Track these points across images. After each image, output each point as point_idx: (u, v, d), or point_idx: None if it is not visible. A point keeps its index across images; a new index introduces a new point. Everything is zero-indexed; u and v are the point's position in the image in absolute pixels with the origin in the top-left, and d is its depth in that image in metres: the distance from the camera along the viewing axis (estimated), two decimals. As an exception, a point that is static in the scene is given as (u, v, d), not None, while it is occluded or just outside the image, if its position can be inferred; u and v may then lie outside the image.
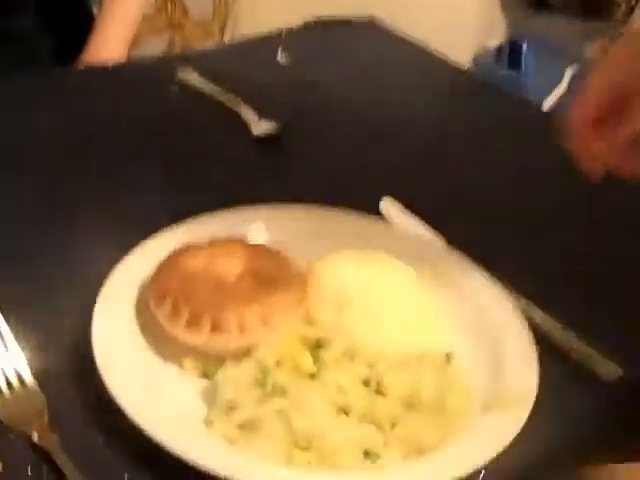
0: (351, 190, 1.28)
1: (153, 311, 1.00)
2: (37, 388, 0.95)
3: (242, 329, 0.96)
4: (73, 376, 0.97)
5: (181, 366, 0.99)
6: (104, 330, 0.98)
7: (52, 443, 0.89)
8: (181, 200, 1.24)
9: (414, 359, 0.99)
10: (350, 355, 0.98)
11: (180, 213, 1.17)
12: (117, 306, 1.02)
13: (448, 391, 0.96)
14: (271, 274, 1.02)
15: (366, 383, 0.95)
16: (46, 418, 0.92)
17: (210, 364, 0.98)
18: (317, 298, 1.04)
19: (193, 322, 0.97)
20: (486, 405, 0.96)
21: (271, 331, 0.97)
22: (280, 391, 0.93)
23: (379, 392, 0.95)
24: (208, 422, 0.92)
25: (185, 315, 0.97)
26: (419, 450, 0.91)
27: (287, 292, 1.00)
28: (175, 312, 0.98)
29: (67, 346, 1.00)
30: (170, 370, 0.98)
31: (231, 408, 0.92)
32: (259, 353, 0.96)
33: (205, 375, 0.98)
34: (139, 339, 1.00)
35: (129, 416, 0.89)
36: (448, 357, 1.03)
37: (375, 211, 1.26)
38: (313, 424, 0.89)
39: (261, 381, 0.93)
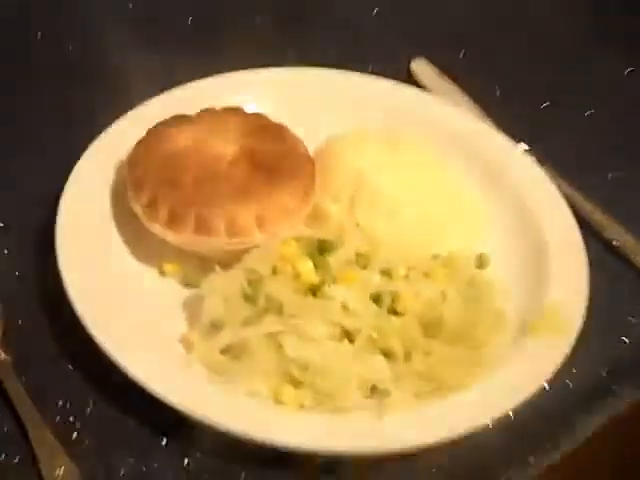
0: (377, 47, 1.08)
1: (130, 201, 0.84)
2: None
3: (231, 231, 0.80)
4: (33, 283, 0.82)
5: (161, 271, 0.83)
6: (70, 222, 0.82)
7: (4, 366, 0.75)
8: (170, 52, 1.04)
9: (440, 264, 0.83)
10: (363, 261, 0.81)
11: (169, 68, 0.99)
12: (87, 193, 0.85)
13: (478, 310, 0.79)
14: (273, 158, 0.84)
15: (377, 300, 0.78)
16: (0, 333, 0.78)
17: (194, 269, 0.82)
18: (326, 187, 0.86)
19: (174, 219, 0.80)
20: (523, 326, 0.80)
21: (267, 234, 0.80)
22: (274, 307, 0.77)
23: (393, 311, 0.78)
24: (187, 343, 0.77)
25: (165, 210, 0.81)
26: (438, 388, 0.75)
27: (291, 184, 0.82)
28: (153, 205, 0.81)
29: (29, 245, 0.85)
30: (148, 275, 0.83)
31: (215, 328, 0.77)
32: (250, 260, 0.79)
33: (188, 283, 0.82)
34: (112, 234, 0.84)
35: (94, 337, 0.74)
36: (481, 260, 0.86)
37: (405, 74, 1.07)
38: (310, 353, 0.74)
39: (252, 296, 0.78)
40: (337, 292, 0.77)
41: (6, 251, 0.85)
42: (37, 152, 0.93)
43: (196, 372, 0.75)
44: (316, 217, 0.85)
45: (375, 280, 0.80)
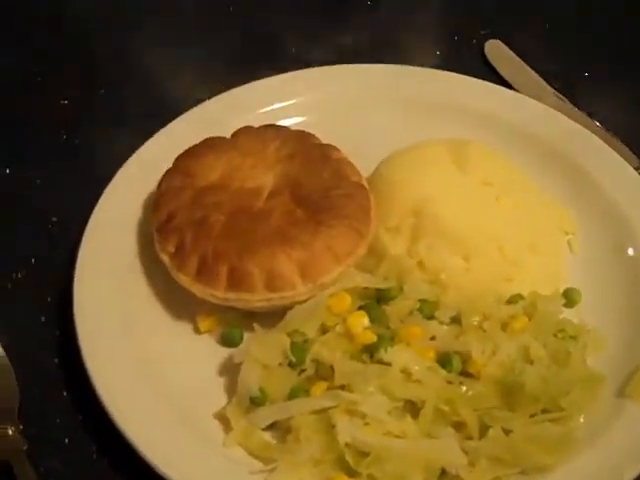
0: (449, 28, 0.95)
1: (156, 247, 0.72)
2: (7, 362, 0.70)
3: (271, 284, 0.68)
4: (54, 346, 0.72)
5: (195, 327, 0.72)
6: (90, 277, 0.72)
7: (15, 447, 0.65)
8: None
9: (521, 310, 0.69)
10: (427, 309, 0.69)
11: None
12: (110, 235, 0.74)
13: (568, 372, 0.66)
14: (319, 190, 0.71)
15: (445, 362, 0.66)
16: (16, 410, 0.68)
17: (233, 322, 0.71)
18: (383, 217, 0.73)
19: (204, 271, 0.69)
20: (622, 386, 0.67)
21: (313, 285, 0.68)
22: (323, 374, 0.66)
23: (465, 374, 0.66)
24: (224, 420, 0.66)
25: (194, 260, 0.69)
26: (522, 472, 0.63)
27: (342, 223, 0.69)
28: (181, 253, 0.70)
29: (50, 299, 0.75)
30: (181, 333, 0.72)
31: (254, 403, 0.65)
32: (294, 318, 0.68)
33: (226, 341, 0.71)
34: (139, 285, 0.73)
35: (121, 430, 0.64)
36: (570, 296, 0.72)
37: (479, 57, 0.94)
38: (367, 437, 0.62)
39: (296, 362, 0.66)
40: (397, 355, 0.65)
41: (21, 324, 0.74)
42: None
43: (234, 459, 0.64)
44: (371, 252, 0.72)
45: (442, 333, 0.68)
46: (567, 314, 0.71)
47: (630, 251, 0.74)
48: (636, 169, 0.79)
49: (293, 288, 0.68)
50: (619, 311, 0.72)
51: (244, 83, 0.84)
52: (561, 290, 0.73)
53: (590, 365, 0.68)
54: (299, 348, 0.66)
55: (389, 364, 0.65)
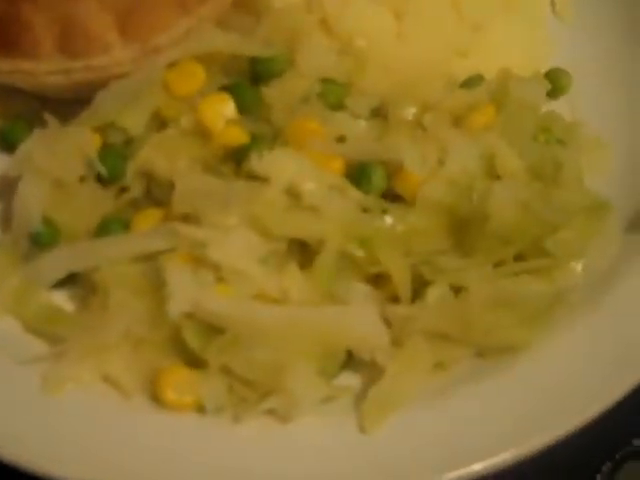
0: None
1: None
2: None
3: (67, 46, 0.42)
4: None
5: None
6: None
7: None
8: None
9: (481, 95, 0.44)
10: (334, 93, 0.46)
11: None
12: None
13: (559, 181, 0.42)
14: None
15: (360, 176, 0.41)
16: None
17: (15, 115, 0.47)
18: None
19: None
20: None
21: (139, 49, 0.43)
22: (155, 195, 0.43)
23: (392, 195, 0.41)
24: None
25: None
26: (480, 352, 0.40)
27: None
28: None
29: None
30: None
31: (37, 243, 0.42)
32: (106, 104, 0.43)
33: (5, 140, 0.48)
34: None
35: None
36: (556, 80, 0.50)
37: None
38: (221, 300, 0.38)
39: (111, 175, 0.41)
40: (279, 165, 0.40)
41: None
42: None
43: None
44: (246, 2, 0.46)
45: (356, 133, 0.42)
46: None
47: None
48: None
49: (106, 51, 0.43)
50: (628, 106, 0.47)
51: None
52: (543, 71, 0.48)
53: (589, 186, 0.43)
54: (115, 153, 0.42)
55: (265, 179, 0.39)
